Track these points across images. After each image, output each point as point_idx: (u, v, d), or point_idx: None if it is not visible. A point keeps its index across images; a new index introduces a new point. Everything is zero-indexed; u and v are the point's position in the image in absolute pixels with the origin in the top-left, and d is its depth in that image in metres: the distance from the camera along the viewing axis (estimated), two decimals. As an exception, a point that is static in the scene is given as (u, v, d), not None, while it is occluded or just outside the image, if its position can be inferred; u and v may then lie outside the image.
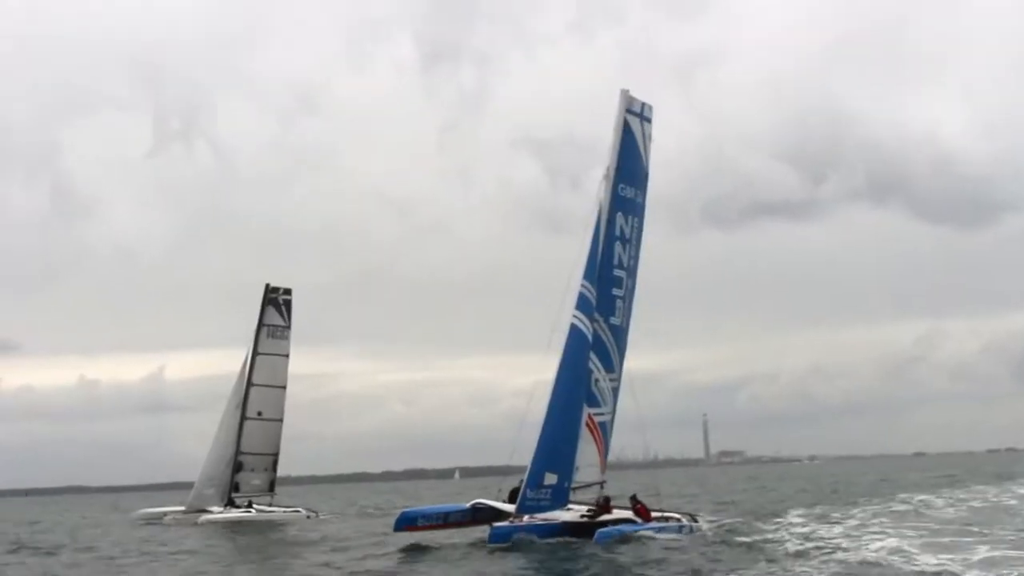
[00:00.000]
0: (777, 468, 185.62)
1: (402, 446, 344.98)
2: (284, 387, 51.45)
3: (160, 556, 29.32)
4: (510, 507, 29.58)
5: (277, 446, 50.76)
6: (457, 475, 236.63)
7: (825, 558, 22.37)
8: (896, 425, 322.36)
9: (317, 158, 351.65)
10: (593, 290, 30.40)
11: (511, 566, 23.28)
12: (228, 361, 49.17)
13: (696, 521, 30.94)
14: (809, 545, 25.01)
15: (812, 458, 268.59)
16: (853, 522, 31.94)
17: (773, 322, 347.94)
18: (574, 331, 29.76)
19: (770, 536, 28.08)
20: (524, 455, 29.00)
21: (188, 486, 50.92)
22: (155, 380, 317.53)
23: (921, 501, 42.02)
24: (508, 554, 25.13)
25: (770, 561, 22.33)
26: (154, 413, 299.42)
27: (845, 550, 23.68)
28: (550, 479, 28.57)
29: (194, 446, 50.75)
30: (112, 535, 40.61)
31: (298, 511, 49.01)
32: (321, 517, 48.13)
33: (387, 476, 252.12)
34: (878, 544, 24.51)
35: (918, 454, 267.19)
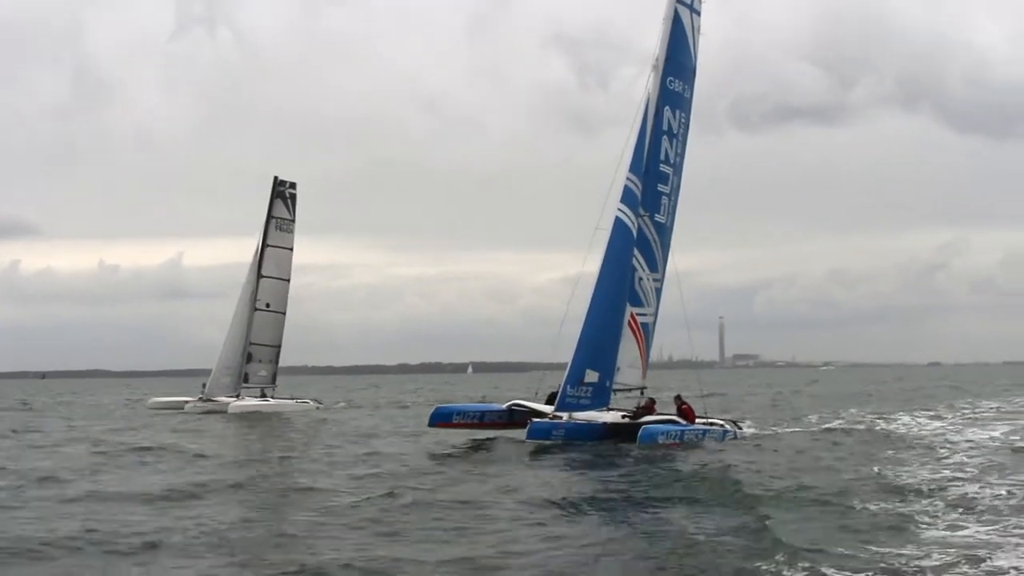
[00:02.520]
0: (792, 373, 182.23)
1: (418, 339, 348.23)
2: (288, 280, 51.55)
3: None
4: (547, 408, 28.65)
5: (281, 338, 51.08)
6: (470, 369, 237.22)
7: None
8: (913, 334, 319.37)
9: (342, 49, 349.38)
10: (639, 184, 29.06)
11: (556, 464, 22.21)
12: (245, 250, 49.23)
13: (739, 427, 29.81)
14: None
15: (827, 364, 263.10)
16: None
17: (795, 226, 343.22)
18: (619, 224, 28.48)
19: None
20: (561, 353, 28.04)
21: (205, 373, 51.05)
22: (174, 266, 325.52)
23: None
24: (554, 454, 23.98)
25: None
26: (172, 299, 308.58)
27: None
28: (591, 377, 27.50)
29: (212, 333, 50.71)
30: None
31: (307, 402, 49.85)
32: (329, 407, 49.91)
33: (403, 368, 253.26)
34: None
35: (933, 364, 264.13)
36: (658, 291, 30.77)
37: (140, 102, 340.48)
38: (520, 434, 26.30)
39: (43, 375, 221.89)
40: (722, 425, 29.20)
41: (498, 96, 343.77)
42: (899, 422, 35.92)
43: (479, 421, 28.40)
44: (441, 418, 27.71)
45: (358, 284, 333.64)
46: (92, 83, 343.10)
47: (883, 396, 60.97)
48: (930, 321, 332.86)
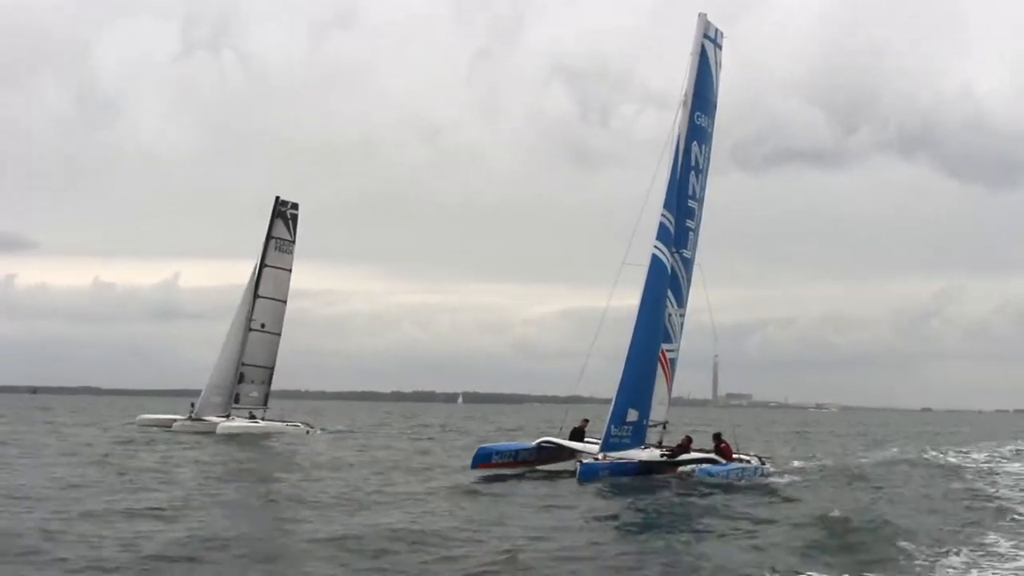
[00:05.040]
0: (788, 414, 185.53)
1: (413, 367, 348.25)
2: (285, 301, 50.75)
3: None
4: (575, 445, 28.61)
5: (275, 360, 50.19)
6: (460, 399, 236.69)
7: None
8: (906, 379, 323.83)
9: (347, 75, 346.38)
10: (673, 220, 29.05)
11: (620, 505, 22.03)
12: (241, 272, 48.53)
13: (764, 464, 30.01)
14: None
15: (820, 406, 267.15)
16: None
17: (792, 268, 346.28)
18: (656, 262, 28.44)
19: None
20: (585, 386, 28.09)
21: (196, 393, 49.54)
22: (169, 287, 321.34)
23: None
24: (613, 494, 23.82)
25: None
26: (166, 319, 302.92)
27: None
28: (632, 416, 27.42)
29: (206, 354, 49.48)
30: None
31: (297, 425, 48.97)
32: (318, 432, 48.81)
33: (396, 396, 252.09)
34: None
35: (925, 409, 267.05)
36: (682, 325, 30.83)
37: (143, 122, 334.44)
38: (550, 468, 27.76)
39: (34, 390, 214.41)
40: (748, 461, 29.40)
41: (499, 128, 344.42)
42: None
43: (514, 460, 28.16)
44: (483, 459, 27.40)
45: (354, 311, 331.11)
46: (96, 101, 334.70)
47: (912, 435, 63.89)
48: (923, 367, 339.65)
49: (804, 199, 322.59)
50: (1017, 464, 38.22)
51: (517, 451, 28.65)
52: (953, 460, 39.88)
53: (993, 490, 26.73)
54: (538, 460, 28.72)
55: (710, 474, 25.90)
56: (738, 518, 19.40)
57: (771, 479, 28.32)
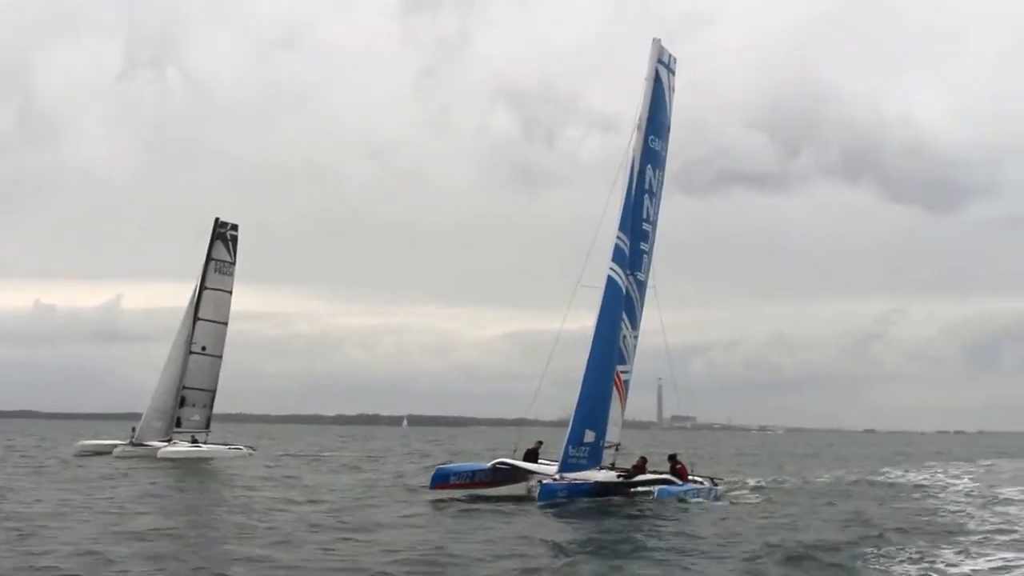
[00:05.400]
0: (734, 436, 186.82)
1: (357, 390, 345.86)
2: (226, 323, 50.03)
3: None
4: (529, 466, 28.65)
5: (216, 382, 49.42)
6: (405, 423, 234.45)
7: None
8: (850, 401, 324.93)
9: (290, 95, 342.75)
10: (628, 242, 29.32)
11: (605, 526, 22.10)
12: (184, 294, 47.75)
13: (716, 485, 30.28)
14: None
15: (763, 428, 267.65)
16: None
17: (735, 291, 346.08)
18: (611, 284, 28.68)
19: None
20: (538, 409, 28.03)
21: (139, 417, 48.49)
22: (111, 309, 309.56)
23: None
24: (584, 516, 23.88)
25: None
26: (109, 342, 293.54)
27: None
28: (589, 437, 27.52)
29: (148, 377, 48.37)
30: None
31: (239, 448, 48.24)
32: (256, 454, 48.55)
33: (340, 420, 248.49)
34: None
35: (868, 431, 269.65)
36: (635, 347, 31.05)
37: (84, 142, 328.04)
38: (502, 491, 27.67)
39: None
40: (701, 482, 29.65)
41: (445, 148, 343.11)
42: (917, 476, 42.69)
43: (471, 480, 28.04)
44: (441, 480, 27.27)
45: (297, 333, 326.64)
46: (37, 121, 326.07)
47: (852, 458, 65.16)
48: (866, 389, 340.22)
49: (748, 222, 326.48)
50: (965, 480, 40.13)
51: (473, 472, 28.53)
52: (913, 478, 41.60)
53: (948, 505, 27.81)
54: (493, 482, 28.55)
55: (669, 494, 26.07)
56: (704, 537, 19.59)
57: (730, 498, 28.77)
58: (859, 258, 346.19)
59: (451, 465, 29.64)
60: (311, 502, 25.62)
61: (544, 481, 25.91)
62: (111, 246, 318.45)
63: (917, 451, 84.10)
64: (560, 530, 20.91)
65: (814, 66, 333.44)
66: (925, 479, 41.05)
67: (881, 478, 41.26)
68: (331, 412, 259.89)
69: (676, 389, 32.63)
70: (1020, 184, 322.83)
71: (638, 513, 24.22)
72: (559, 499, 25.46)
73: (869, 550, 17.54)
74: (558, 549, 17.68)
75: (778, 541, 18.59)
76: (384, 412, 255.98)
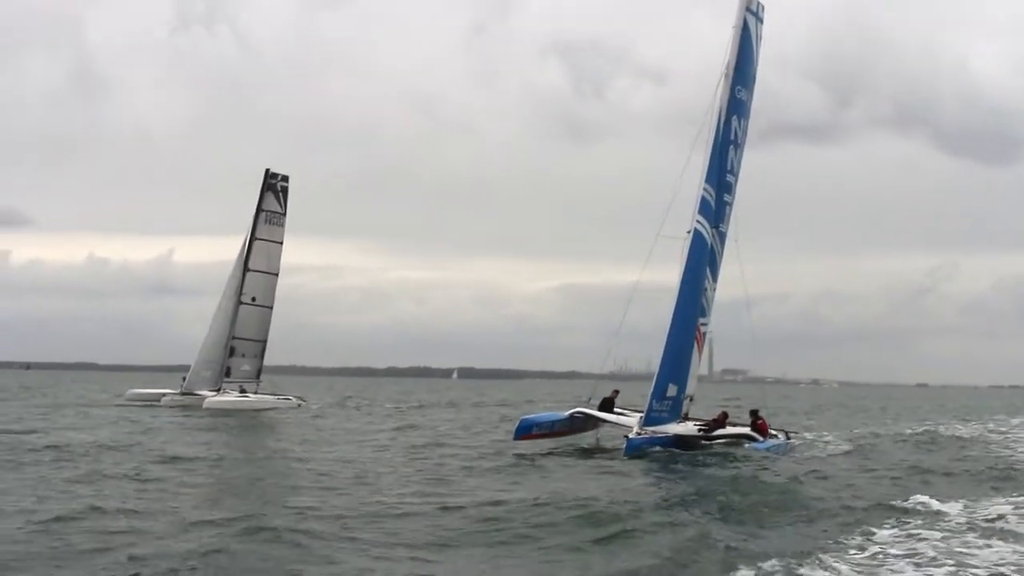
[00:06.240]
0: (789, 390, 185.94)
1: (408, 343, 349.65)
2: (277, 274, 49.91)
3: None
4: (604, 415, 28.68)
5: (267, 333, 49.41)
6: (455, 375, 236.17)
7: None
8: (901, 355, 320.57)
9: (339, 51, 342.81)
10: (714, 194, 28.91)
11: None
12: (235, 248, 47.73)
13: (790, 439, 30.23)
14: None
15: (815, 382, 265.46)
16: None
17: (787, 244, 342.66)
18: (698, 237, 28.29)
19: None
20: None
21: (190, 369, 48.54)
22: (164, 262, 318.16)
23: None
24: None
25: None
26: (161, 295, 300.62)
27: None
28: (671, 391, 27.41)
29: (200, 330, 48.42)
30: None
31: (289, 399, 48.29)
32: (313, 406, 48.69)
33: (392, 372, 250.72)
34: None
35: (921, 385, 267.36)
36: (713, 300, 30.81)
37: (137, 97, 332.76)
38: (580, 438, 28.47)
39: (27, 366, 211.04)
40: (777, 436, 29.59)
41: (493, 101, 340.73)
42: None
43: (551, 431, 28.15)
44: (524, 431, 27.38)
45: (350, 286, 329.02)
46: (90, 76, 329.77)
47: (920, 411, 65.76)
48: (918, 343, 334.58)
49: (799, 174, 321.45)
50: None
51: (553, 422, 28.61)
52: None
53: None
54: (571, 430, 28.74)
55: (755, 450, 26.09)
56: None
57: (827, 451, 29.20)
58: (911, 211, 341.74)
59: (532, 416, 29.59)
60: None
61: (629, 435, 25.88)
62: (164, 200, 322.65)
63: (977, 404, 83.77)
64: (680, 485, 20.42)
65: (866, 14, 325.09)
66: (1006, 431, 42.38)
67: (963, 430, 41.88)
68: (382, 365, 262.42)
69: (753, 341, 32.32)
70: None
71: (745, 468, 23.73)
72: (646, 451, 25.49)
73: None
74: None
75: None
76: (435, 365, 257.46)
